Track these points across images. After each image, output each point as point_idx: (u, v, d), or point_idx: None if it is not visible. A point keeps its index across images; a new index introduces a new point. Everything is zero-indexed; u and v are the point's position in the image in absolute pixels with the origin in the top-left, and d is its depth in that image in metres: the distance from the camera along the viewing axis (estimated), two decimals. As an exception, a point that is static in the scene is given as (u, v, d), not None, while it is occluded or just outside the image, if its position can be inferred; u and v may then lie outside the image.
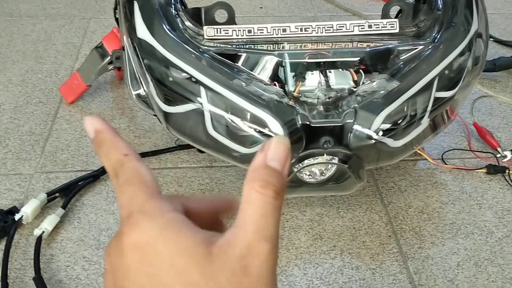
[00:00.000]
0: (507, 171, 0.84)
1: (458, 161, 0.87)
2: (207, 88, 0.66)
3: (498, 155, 0.87)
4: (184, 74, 0.67)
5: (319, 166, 0.70)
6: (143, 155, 0.86)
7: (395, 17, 0.81)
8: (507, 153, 0.87)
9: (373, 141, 0.66)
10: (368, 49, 0.71)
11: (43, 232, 0.72)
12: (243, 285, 0.25)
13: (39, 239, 0.71)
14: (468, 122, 0.93)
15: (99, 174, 0.82)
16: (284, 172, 0.28)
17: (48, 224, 0.73)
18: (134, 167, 0.28)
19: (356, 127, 0.65)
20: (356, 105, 0.66)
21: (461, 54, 0.72)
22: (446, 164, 0.86)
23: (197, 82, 0.67)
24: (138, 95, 0.76)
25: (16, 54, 1.12)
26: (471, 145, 0.90)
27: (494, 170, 0.84)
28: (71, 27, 1.22)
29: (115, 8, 0.80)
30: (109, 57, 0.87)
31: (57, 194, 0.78)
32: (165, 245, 0.25)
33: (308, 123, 0.65)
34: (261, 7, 1.33)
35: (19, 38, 1.18)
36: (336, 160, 0.69)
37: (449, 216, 0.78)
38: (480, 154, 0.88)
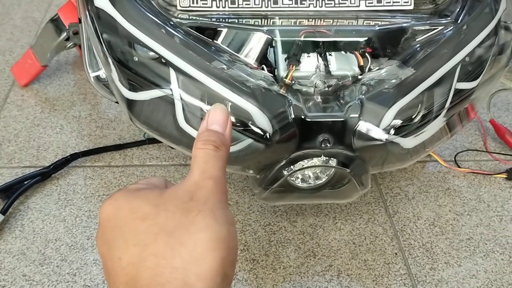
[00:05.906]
0: (530, 177, 0.72)
1: (473, 164, 0.75)
2: (178, 70, 0.53)
3: (520, 158, 0.75)
4: (151, 53, 0.54)
5: (313, 169, 0.58)
6: (105, 149, 0.73)
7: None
8: (530, 155, 0.75)
9: (383, 141, 0.53)
10: (377, 28, 0.58)
11: (-25, 243, 0.59)
12: (189, 208, 0.30)
13: (-30, 251, 0.58)
14: (483, 119, 0.81)
15: (50, 172, 0.69)
16: (226, 132, 0.35)
17: (-18, 233, 0.60)
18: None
19: (362, 123, 0.52)
20: (362, 96, 0.54)
21: (487, 38, 0.60)
22: (459, 167, 0.74)
23: (167, 63, 0.53)
24: (97, 78, 0.63)
25: (-33, 28, 0.98)
26: (487, 145, 0.78)
27: (516, 175, 0.73)
28: (33, 0, 1.07)
29: (72, -28, 0.67)
30: (65, 32, 0.73)
31: (-3, 195, 0.65)
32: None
33: (303, 117, 0.52)
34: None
35: (-28, 10, 1.03)
36: (334, 163, 0.57)
37: (465, 230, 0.66)
38: (498, 156, 0.76)
